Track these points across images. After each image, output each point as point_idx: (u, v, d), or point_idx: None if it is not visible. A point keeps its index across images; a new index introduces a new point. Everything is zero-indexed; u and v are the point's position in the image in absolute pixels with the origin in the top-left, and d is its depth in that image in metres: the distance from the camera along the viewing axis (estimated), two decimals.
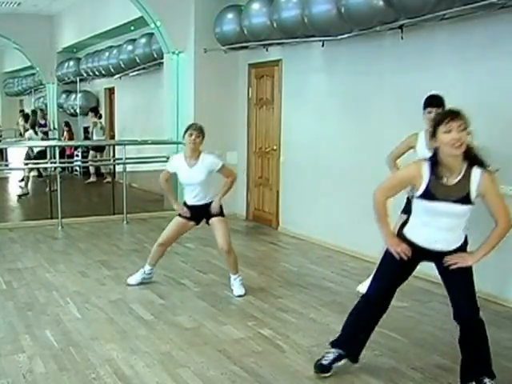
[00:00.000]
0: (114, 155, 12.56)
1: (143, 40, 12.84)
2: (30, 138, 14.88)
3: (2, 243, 8.91)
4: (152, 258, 6.82)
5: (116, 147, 12.48)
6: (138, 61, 13.30)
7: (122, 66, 14.21)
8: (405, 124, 7.26)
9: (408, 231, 4.30)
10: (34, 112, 19.09)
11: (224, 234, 6.46)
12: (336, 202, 8.47)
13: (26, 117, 17.39)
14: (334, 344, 4.61)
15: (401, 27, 6.98)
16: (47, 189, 12.54)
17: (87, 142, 15.60)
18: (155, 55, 12.30)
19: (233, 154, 10.76)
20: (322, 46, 8.32)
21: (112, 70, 14.96)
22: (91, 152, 15.49)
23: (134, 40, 13.48)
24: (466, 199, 3.99)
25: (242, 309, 6.06)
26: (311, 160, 9.02)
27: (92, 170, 15.68)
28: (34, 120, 16.08)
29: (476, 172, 3.97)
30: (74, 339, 5.21)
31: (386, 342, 5.14)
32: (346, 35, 7.66)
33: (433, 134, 3.97)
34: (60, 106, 18.97)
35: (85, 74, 16.89)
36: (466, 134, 3.90)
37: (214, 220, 6.50)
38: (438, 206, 4.02)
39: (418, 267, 6.84)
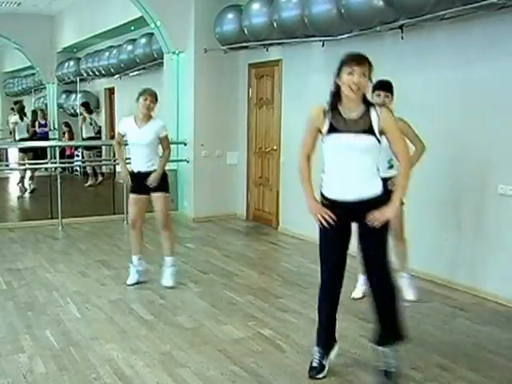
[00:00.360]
0: (114, 155, 12.55)
1: (143, 40, 12.83)
2: (15, 123, 14.86)
3: (2, 243, 8.92)
4: (133, 245, 6.95)
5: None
6: (138, 61, 13.29)
7: (122, 66, 14.20)
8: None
9: (324, 188, 4.40)
10: (34, 112, 19.08)
11: (162, 211, 6.69)
12: None
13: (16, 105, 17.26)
14: (317, 343, 4.63)
15: (401, 27, 6.98)
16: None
17: (87, 143, 15.57)
18: (155, 55, 12.28)
19: (233, 155, 10.77)
20: (322, 45, 8.32)
21: (112, 70, 14.96)
22: (85, 152, 15.43)
23: (134, 40, 13.46)
24: (369, 130, 4.15)
25: (242, 309, 6.06)
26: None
27: (89, 170, 15.60)
28: (22, 107, 15.96)
29: (374, 110, 4.22)
30: (74, 339, 5.22)
31: None
32: (346, 35, 7.67)
33: (338, 72, 4.22)
34: (60, 106, 18.96)
35: (85, 74, 16.87)
36: (366, 80, 4.16)
37: (155, 196, 6.64)
38: (343, 138, 4.19)
39: (421, 269, 6.90)
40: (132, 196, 6.77)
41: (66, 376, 4.50)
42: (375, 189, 4.29)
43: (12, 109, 21.41)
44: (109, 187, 12.10)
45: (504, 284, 6.19)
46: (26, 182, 14.03)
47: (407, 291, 6.25)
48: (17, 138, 15.03)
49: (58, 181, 10.16)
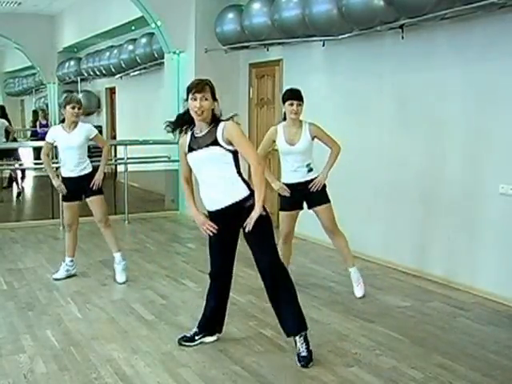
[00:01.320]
0: (115, 155, 12.57)
1: (144, 40, 12.85)
2: None
3: (3, 243, 8.93)
4: (67, 247, 7.19)
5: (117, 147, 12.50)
6: (138, 60, 13.31)
7: (123, 65, 14.22)
8: (405, 123, 7.29)
9: (204, 202, 4.86)
10: (35, 112, 19.09)
11: (100, 213, 6.99)
12: (336, 201, 8.45)
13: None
14: (199, 326, 5.16)
15: (401, 27, 6.98)
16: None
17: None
18: (156, 55, 12.31)
19: None
20: (323, 45, 8.32)
21: (113, 69, 14.98)
22: None
23: (135, 40, 13.48)
24: (215, 142, 4.59)
25: (243, 309, 6.06)
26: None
27: None
28: (2, 109, 15.66)
29: (221, 124, 4.64)
30: (74, 339, 5.22)
31: (386, 342, 5.14)
32: (346, 35, 7.68)
33: (186, 98, 4.69)
34: (61, 106, 18.88)
35: (86, 74, 16.90)
36: (209, 103, 4.61)
37: (93, 199, 6.91)
38: (197, 154, 4.66)
39: (422, 268, 6.90)
40: (67, 204, 7.03)
41: (66, 376, 4.50)
42: (238, 194, 4.69)
43: None
44: (109, 187, 12.09)
45: (504, 283, 6.19)
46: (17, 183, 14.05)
47: (356, 287, 6.43)
48: None
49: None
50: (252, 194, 4.66)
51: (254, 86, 10.52)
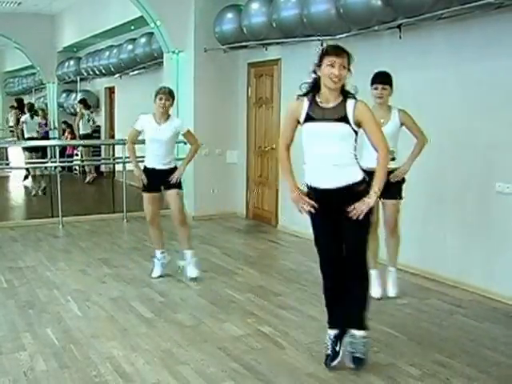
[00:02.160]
0: (113, 154, 12.57)
1: (143, 39, 12.84)
2: (24, 122, 14.79)
3: (3, 242, 8.93)
4: (154, 241, 7.09)
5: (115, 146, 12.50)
6: (138, 60, 13.29)
7: (123, 65, 14.21)
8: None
9: (307, 176, 4.50)
10: (35, 111, 19.08)
11: (176, 208, 6.84)
12: None
13: (19, 103, 17.08)
14: (330, 326, 4.70)
15: (399, 27, 6.99)
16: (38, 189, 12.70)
17: (88, 142, 15.59)
18: (155, 54, 12.29)
19: (233, 153, 10.78)
20: (321, 45, 8.31)
21: (112, 69, 14.96)
22: (82, 149, 15.41)
23: (134, 39, 13.46)
24: (343, 119, 4.25)
25: (241, 306, 6.07)
26: None
27: (87, 168, 15.61)
28: (32, 105, 15.90)
29: (351, 101, 4.31)
30: (74, 337, 5.23)
31: (384, 339, 5.16)
32: (344, 34, 7.68)
33: (318, 63, 4.30)
34: (60, 106, 18.97)
35: (85, 74, 16.88)
36: (346, 72, 4.26)
37: (171, 192, 6.80)
38: (318, 126, 4.32)
39: (418, 266, 6.90)
40: (146, 195, 6.87)
41: (66, 373, 4.50)
42: (352, 177, 4.37)
43: (12, 106, 21.43)
44: (108, 186, 12.12)
45: (500, 281, 6.20)
46: (28, 181, 14.06)
47: (390, 287, 6.30)
48: (25, 136, 14.92)
49: (58, 180, 10.17)
50: (365, 180, 4.39)
51: (253, 85, 10.53)
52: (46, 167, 12.73)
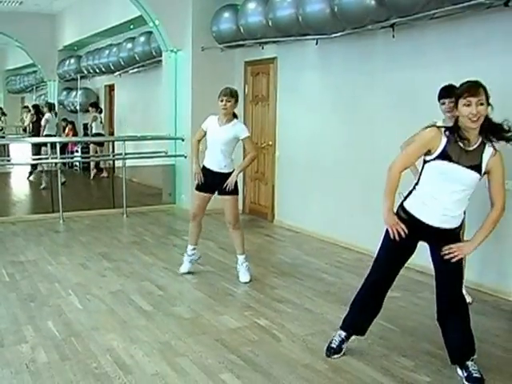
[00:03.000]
0: (113, 150, 12.56)
1: (142, 38, 12.83)
2: (47, 120, 14.81)
3: (5, 236, 8.90)
4: (190, 235, 7.01)
5: (115, 143, 12.48)
6: (137, 58, 13.29)
7: (122, 63, 14.19)
8: (396, 119, 7.29)
9: (412, 204, 4.29)
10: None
11: (233, 212, 6.67)
12: (330, 195, 8.48)
13: (35, 107, 17.04)
14: (343, 327, 4.71)
15: (392, 26, 6.99)
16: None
17: (89, 138, 15.57)
18: (154, 53, 12.29)
19: None
20: (316, 44, 8.32)
21: (112, 67, 14.95)
22: (92, 146, 15.44)
23: (134, 38, 13.46)
24: (477, 167, 4.02)
25: (238, 299, 6.07)
26: (305, 155, 9.03)
27: (92, 165, 15.65)
28: (51, 105, 15.91)
29: (489, 148, 4.02)
30: (75, 329, 5.21)
31: (378, 331, 5.14)
32: (339, 33, 7.68)
33: (455, 105, 4.03)
34: (61, 103, 18.94)
35: (85, 72, 16.87)
36: (485, 108, 3.94)
37: (226, 198, 6.62)
38: (453, 169, 4.03)
39: (412, 260, 6.88)
40: (198, 193, 6.78)
41: (67, 365, 4.49)
42: (458, 221, 4.26)
43: (25, 107, 21.40)
44: (108, 182, 12.09)
45: (490, 275, 6.21)
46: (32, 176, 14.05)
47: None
48: (45, 133, 14.86)
49: (59, 176, 10.15)
50: (461, 226, 4.30)
51: (249, 83, 10.51)
52: (47, 163, 12.70)
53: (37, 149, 13.47)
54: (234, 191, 6.62)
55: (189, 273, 6.92)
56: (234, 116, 6.60)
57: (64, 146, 16.01)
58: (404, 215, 4.30)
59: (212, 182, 6.62)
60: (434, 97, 6.79)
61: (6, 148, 16.57)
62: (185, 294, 6.29)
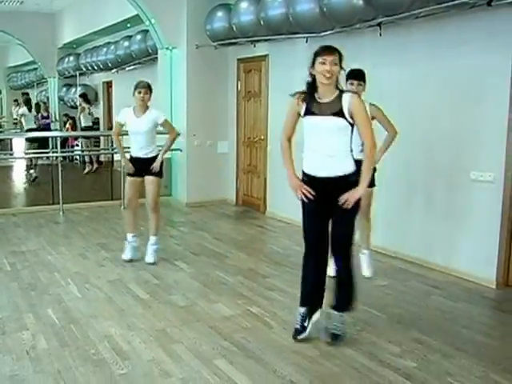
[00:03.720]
0: (112, 145, 12.49)
1: (139, 36, 12.76)
2: (22, 115, 14.71)
3: (7, 227, 8.86)
4: (127, 224, 7.05)
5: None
6: (133, 56, 13.23)
7: (119, 60, 14.13)
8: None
9: (305, 165, 4.56)
10: (37, 105, 18.96)
11: (152, 193, 6.79)
12: None
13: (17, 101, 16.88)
14: (300, 304, 4.79)
15: (379, 25, 6.97)
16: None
17: (89, 133, 15.49)
18: (150, 51, 12.23)
19: (223, 144, 10.74)
20: (306, 42, 8.28)
21: (109, 64, 14.87)
22: (83, 141, 15.32)
23: (130, 36, 13.39)
24: (340, 113, 4.31)
25: (232, 288, 6.04)
26: None
27: (87, 158, 15.49)
28: (28, 99, 15.74)
29: (346, 95, 4.37)
30: (74, 317, 5.19)
31: (366, 318, 5.14)
32: (328, 32, 7.65)
33: (312, 63, 4.38)
34: (61, 99, 18.89)
35: (84, 69, 16.78)
36: (338, 68, 4.33)
37: (149, 178, 6.76)
38: (318, 120, 4.38)
39: (400, 250, 6.89)
40: (129, 179, 6.88)
41: (66, 352, 4.47)
42: (346, 168, 4.43)
43: (15, 100, 21.32)
44: (107, 174, 12.04)
45: (475, 264, 6.20)
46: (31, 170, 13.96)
47: (366, 268, 6.33)
48: (25, 128, 14.88)
49: (59, 169, 10.09)
50: (357, 172, 4.43)
51: (242, 79, 10.47)
52: (47, 157, 12.65)
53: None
54: (159, 173, 6.80)
55: (184, 262, 6.90)
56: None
57: (64, 141, 16.02)
58: (304, 177, 4.56)
59: (141, 167, 6.75)
60: (419, 92, 6.81)
61: (9, 142, 16.50)
62: (180, 282, 6.26)
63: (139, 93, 6.59)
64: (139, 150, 6.75)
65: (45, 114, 16.92)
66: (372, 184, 5.90)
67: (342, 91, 4.43)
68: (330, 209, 4.50)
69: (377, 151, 4.73)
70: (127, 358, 4.38)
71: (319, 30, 7.70)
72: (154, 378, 4.09)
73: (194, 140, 10.55)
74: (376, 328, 4.95)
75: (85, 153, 15.42)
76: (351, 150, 4.46)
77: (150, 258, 6.87)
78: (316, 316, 4.74)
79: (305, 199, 4.51)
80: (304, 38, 8.24)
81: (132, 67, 14.06)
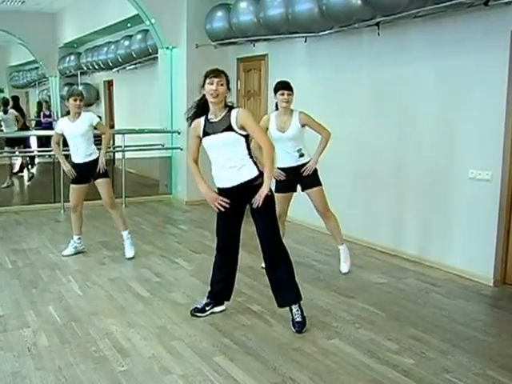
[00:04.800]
0: (113, 143, 12.49)
1: (139, 36, 12.75)
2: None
3: (8, 225, 8.86)
4: (74, 226, 7.25)
5: (115, 135, 12.42)
6: (134, 55, 13.22)
7: (120, 60, 14.12)
8: (380, 113, 7.27)
9: (215, 181, 4.92)
10: (39, 103, 18.98)
11: (106, 195, 7.02)
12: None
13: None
14: (208, 297, 5.22)
15: (377, 24, 6.96)
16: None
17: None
18: (150, 50, 12.22)
19: None
20: (305, 41, 8.28)
21: (110, 63, 14.86)
22: None
23: (131, 36, 13.39)
24: (229, 128, 4.65)
25: None
26: None
27: None
28: (5, 101, 15.32)
29: (234, 111, 4.71)
30: (75, 315, 5.19)
31: (365, 316, 5.14)
32: (326, 32, 7.65)
33: (202, 84, 4.74)
34: (62, 98, 18.84)
35: (85, 68, 16.77)
36: (224, 88, 4.72)
37: (99, 181, 6.95)
38: (213, 139, 4.72)
39: (398, 247, 6.89)
40: (74, 186, 7.03)
41: (67, 349, 4.46)
42: (248, 174, 4.74)
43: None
44: (108, 173, 12.00)
45: (472, 261, 6.20)
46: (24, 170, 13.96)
47: (342, 263, 6.44)
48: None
49: (61, 167, 10.06)
50: (261, 175, 4.72)
51: (242, 79, 10.46)
52: (49, 155, 12.63)
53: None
54: (106, 174, 7.01)
55: (184, 260, 6.90)
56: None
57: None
58: (217, 191, 4.91)
59: (84, 172, 6.91)
60: (416, 91, 6.81)
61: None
62: (180, 280, 6.26)
63: (75, 100, 6.73)
64: (80, 156, 6.89)
65: (47, 113, 16.96)
66: (318, 183, 6.27)
67: (230, 107, 4.76)
68: (243, 211, 4.93)
69: (273, 153, 4.91)
70: (128, 354, 4.38)
71: (318, 29, 7.70)
72: (155, 374, 4.09)
73: None
74: (374, 325, 4.95)
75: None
76: (250, 157, 4.77)
77: (129, 252, 7.03)
78: (219, 308, 5.24)
79: (222, 209, 4.82)
80: (303, 37, 8.24)
81: (132, 66, 14.06)
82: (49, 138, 13.43)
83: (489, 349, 4.54)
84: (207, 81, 4.69)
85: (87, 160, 6.87)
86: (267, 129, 6.20)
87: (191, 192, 10.55)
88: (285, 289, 4.91)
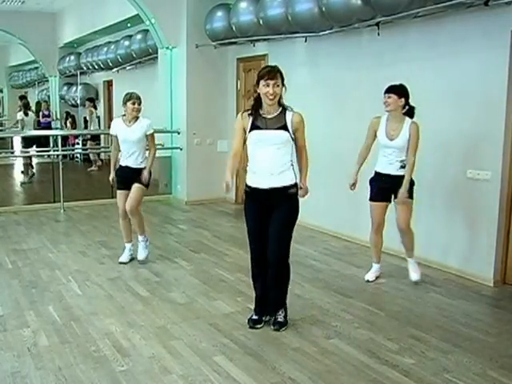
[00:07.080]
0: (111, 143, 12.50)
1: (139, 36, 12.74)
2: (21, 119, 14.60)
3: (8, 225, 8.86)
4: (123, 233, 6.97)
5: None
6: (134, 55, 13.21)
7: (120, 60, 14.11)
8: (381, 111, 7.26)
9: (247, 177, 4.84)
10: (38, 103, 18.96)
11: (134, 199, 6.64)
12: (319, 185, 8.42)
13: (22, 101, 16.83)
14: (256, 312, 5.01)
15: (377, 24, 6.97)
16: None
17: (88, 132, 15.47)
18: (150, 50, 12.22)
19: (223, 142, 10.71)
20: (305, 41, 8.28)
21: (110, 63, 14.86)
22: (89, 142, 15.43)
23: (131, 36, 13.38)
24: (284, 127, 4.62)
25: (231, 285, 6.03)
26: None
27: (92, 157, 15.54)
28: (26, 103, 15.63)
29: (289, 113, 4.67)
30: (75, 314, 5.19)
31: (364, 316, 5.14)
32: (327, 31, 7.65)
33: (256, 83, 4.63)
34: (62, 98, 18.88)
35: (85, 68, 16.77)
36: (280, 89, 4.60)
37: (136, 185, 6.67)
38: (265, 133, 4.62)
39: (397, 247, 6.88)
40: (120, 192, 6.77)
41: (67, 349, 4.46)
42: (288, 179, 4.69)
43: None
44: (107, 173, 12.01)
45: (472, 261, 6.20)
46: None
47: (413, 273, 6.15)
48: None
49: (60, 167, 10.08)
50: (296, 184, 4.71)
51: (242, 78, 10.46)
52: (48, 155, 12.63)
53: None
54: (147, 184, 6.77)
55: (183, 260, 6.90)
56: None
57: (65, 139, 16.00)
58: (247, 188, 4.85)
59: (129, 177, 6.68)
60: (416, 91, 6.79)
61: (10, 141, 16.48)
62: (180, 280, 6.25)
63: (133, 103, 6.57)
64: (131, 160, 6.68)
65: (46, 113, 16.93)
66: (411, 196, 5.89)
67: (285, 108, 4.69)
68: (268, 220, 4.75)
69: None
70: (127, 354, 4.38)
71: (318, 29, 7.71)
72: (154, 374, 4.09)
73: (193, 138, 10.55)
74: (374, 325, 4.95)
75: (89, 151, 15.44)
76: (292, 164, 4.72)
77: (141, 255, 6.84)
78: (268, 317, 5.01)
79: (226, 189, 4.68)
80: (303, 37, 8.24)
81: (132, 66, 14.05)
82: (48, 138, 13.53)
83: (489, 349, 4.54)
84: (262, 82, 4.57)
85: (134, 166, 6.68)
86: (375, 132, 6.00)
87: (191, 192, 10.58)
88: (272, 306, 4.94)
